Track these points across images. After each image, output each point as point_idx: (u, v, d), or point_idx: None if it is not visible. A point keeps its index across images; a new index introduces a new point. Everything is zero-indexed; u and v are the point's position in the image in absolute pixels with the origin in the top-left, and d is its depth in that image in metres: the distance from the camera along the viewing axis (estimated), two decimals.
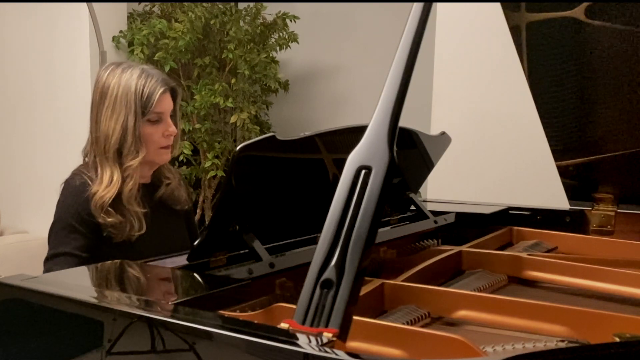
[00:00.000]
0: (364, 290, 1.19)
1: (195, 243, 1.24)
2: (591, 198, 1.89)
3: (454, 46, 2.91)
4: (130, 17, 3.92)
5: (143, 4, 4.04)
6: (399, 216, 1.86)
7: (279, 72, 4.03)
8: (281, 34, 3.89)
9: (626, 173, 1.80)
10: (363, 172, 0.93)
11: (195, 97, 3.66)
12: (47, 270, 1.60)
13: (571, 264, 1.46)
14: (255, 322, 0.94)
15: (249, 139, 2.16)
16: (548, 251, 1.72)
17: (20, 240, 3.45)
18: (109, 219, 1.61)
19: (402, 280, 1.31)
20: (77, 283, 1.20)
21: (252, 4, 3.88)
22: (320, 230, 0.90)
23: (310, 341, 0.81)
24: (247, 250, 1.29)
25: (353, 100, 4.14)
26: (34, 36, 3.81)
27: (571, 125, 1.79)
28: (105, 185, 1.62)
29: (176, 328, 0.89)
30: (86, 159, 1.73)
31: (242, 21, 3.84)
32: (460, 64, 2.91)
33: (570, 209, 1.94)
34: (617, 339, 0.98)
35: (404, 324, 1.11)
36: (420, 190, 1.96)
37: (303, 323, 0.84)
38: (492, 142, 2.85)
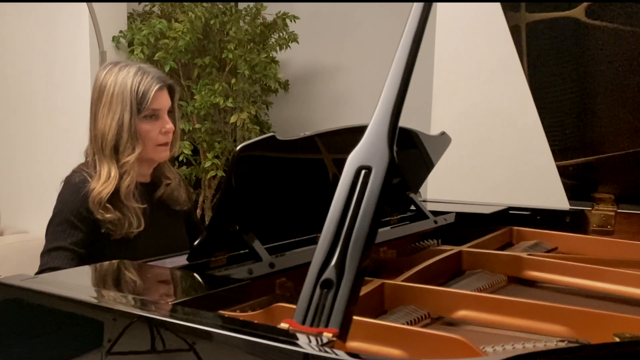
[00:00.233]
0: (364, 290, 1.19)
1: (195, 243, 1.24)
2: (591, 198, 1.89)
3: (454, 46, 2.91)
4: (130, 17, 3.92)
5: (143, 4, 4.04)
6: (399, 216, 1.86)
7: (279, 72, 4.03)
8: (281, 34, 3.89)
9: (626, 173, 1.80)
10: (363, 172, 0.93)
11: (195, 97, 3.66)
12: (43, 264, 1.61)
13: (571, 264, 1.45)
14: (255, 322, 0.94)
15: (249, 139, 2.16)
16: (548, 251, 1.72)
17: (20, 240, 3.45)
18: (107, 215, 1.62)
19: (402, 281, 1.31)
20: (77, 283, 1.20)
21: (252, 4, 3.88)
22: (320, 230, 0.90)
23: (310, 341, 0.81)
24: (247, 250, 1.29)
25: (353, 100, 4.14)
26: (34, 36, 3.81)
27: (571, 125, 1.79)
28: (103, 181, 1.64)
29: (176, 328, 0.89)
30: (87, 158, 1.74)
31: (242, 21, 3.84)
32: (460, 64, 2.91)
33: (570, 209, 1.94)
34: (617, 339, 0.98)
35: (404, 324, 1.11)
36: (420, 190, 1.96)
37: (303, 323, 0.84)
38: (492, 142, 2.85)
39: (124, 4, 3.84)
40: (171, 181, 1.81)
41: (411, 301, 1.22)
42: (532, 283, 1.49)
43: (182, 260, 1.29)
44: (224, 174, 3.70)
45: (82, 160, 1.76)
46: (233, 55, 3.65)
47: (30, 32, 3.83)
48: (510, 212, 1.98)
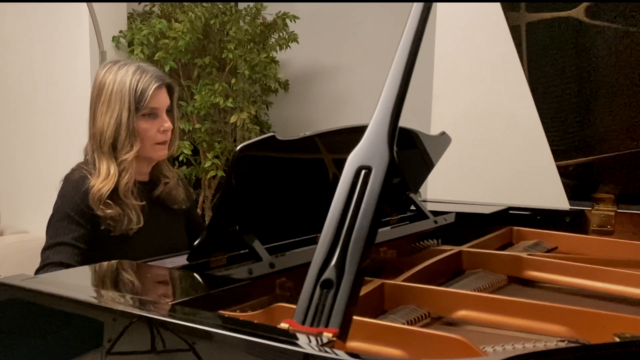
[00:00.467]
0: (364, 290, 1.19)
1: (195, 243, 1.24)
2: (591, 198, 1.89)
3: (454, 46, 2.91)
4: (130, 17, 3.92)
5: (143, 4, 4.04)
6: (399, 216, 1.86)
7: (279, 72, 4.03)
8: (281, 34, 3.89)
9: (626, 173, 1.80)
10: (363, 172, 0.93)
11: (195, 97, 3.66)
12: (44, 259, 1.61)
13: (571, 264, 1.46)
14: (255, 322, 0.94)
15: (249, 139, 2.16)
16: (548, 251, 1.72)
17: (20, 240, 3.45)
18: (108, 211, 1.63)
19: (402, 280, 1.31)
20: (78, 283, 1.20)
21: (252, 4, 3.88)
22: (320, 230, 0.90)
23: (310, 341, 0.81)
24: (247, 250, 1.29)
25: (353, 100, 4.14)
26: (34, 36, 3.81)
27: (571, 125, 1.79)
28: (103, 178, 1.65)
29: (176, 328, 0.89)
30: (87, 156, 1.74)
31: (242, 21, 3.84)
32: (460, 64, 2.91)
33: (570, 209, 1.94)
34: (617, 339, 0.98)
35: (404, 324, 1.11)
36: (420, 190, 1.96)
37: (303, 323, 0.84)
38: (492, 142, 2.85)
39: (124, 4, 3.84)
40: (169, 180, 1.82)
41: (411, 301, 1.22)
42: (532, 283, 1.49)
43: (182, 260, 1.29)
44: (224, 174, 3.70)
45: (82, 159, 1.77)
46: (233, 55, 3.65)
47: (30, 32, 3.82)
48: (510, 212, 1.98)
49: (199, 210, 3.90)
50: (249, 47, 3.73)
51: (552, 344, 1.01)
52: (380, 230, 1.19)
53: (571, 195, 1.93)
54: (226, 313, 1.02)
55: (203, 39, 3.74)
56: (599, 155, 1.79)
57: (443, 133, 1.89)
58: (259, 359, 0.83)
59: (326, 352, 0.77)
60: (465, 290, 1.32)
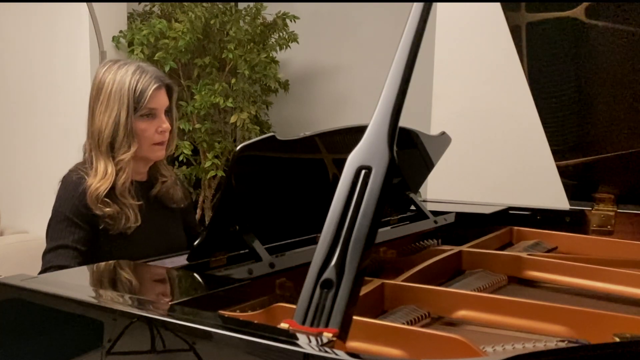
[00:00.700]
0: (364, 290, 1.19)
1: (195, 243, 1.24)
2: (591, 198, 1.89)
3: (454, 46, 2.91)
4: (130, 17, 3.92)
5: (143, 4, 4.04)
6: (399, 216, 1.86)
7: (279, 72, 4.03)
8: (281, 34, 3.89)
9: (626, 173, 1.80)
10: (363, 172, 0.93)
11: (195, 97, 3.66)
12: (46, 263, 1.61)
13: (571, 264, 1.46)
14: (255, 322, 0.94)
15: (249, 139, 2.16)
16: (548, 251, 1.72)
17: (20, 240, 3.44)
18: (106, 209, 1.63)
19: (402, 280, 1.31)
20: (77, 283, 1.20)
21: (252, 4, 3.88)
22: (320, 230, 0.90)
23: (310, 341, 0.81)
24: (247, 250, 1.29)
25: (353, 100, 4.14)
26: (34, 36, 3.81)
27: (571, 125, 1.79)
28: (100, 178, 1.65)
29: (176, 328, 0.89)
30: (85, 154, 1.75)
31: (242, 21, 3.84)
32: (460, 64, 2.91)
33: (570, 209, 1.94)
34: (617, 339, 0.98)
35: (404, 324, 1.11)
36: (420, 190, 1.96)
37: (303, 323, 0.84)
38: (492, 142, 2.85)
39: (124, 4, 3.84)
40: (167, 179, 1.82)
41: (411, 301, 1.22)
42: (532, 283, 1.49)
43: (182, 260, 1.29)
44: (224, 174, 3.70)
45: (82, 158, 1.77)
46: (233, 55, 3.65)
47: (30, 32, 3.82)
48: (510, 212, 1.98)
49: (198, 210, 3.91)
50: (249, 47, 3.73)
51: (552, 344, 1.01)
52: (380, 230, 1.19)
53: (571, 195, 1.93)
54: (226, 313, 1.02)
55: (203, 39, 3.74)
56: (599, 155, 1.79)
57: (443, 133, 1.89)
58: (259, 359, 0.83)
59: (326, 352, 0.77)
60: (465, 290, 1.32)
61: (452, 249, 1.59)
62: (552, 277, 1.47)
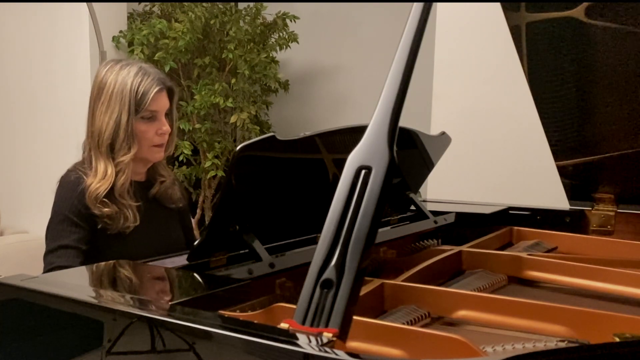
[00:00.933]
0: (364, 290, 1.19)
1: (195, 243, 1.24)
2: (591, 198, 1.89)
3: (453, 46, 2.91)
4: (130, 17, 3.92)
5: (143, 4, 4.04)
6: (399, 216, 1.86)
7: (279, 72, 4.03)
8: (281, 34, 3.89)
9: (626, 173, 1.80)
10: (363, 172, 0.93)
11: (195, 97, 3.66)
12: (48, 264, 1.61)
13: (571, 264, 1.45)
14: (255, 322, 0.94)
15: (249, 139, 2.16)
16: (548, 251, 1.72)
17: (20, 240, 3.44)
18: (105, 210, 1.63)
19: (402, 280, 1.31)
20: (77, 283, 1.20)
21: (252, 4, 3.88)
22: (320, 230, 0.90)
23: (310, 341, 0.81)
24: (247, 250, 1.29)
25: (353, 100, 4.14)
26: (34, 36, 3.81)
27: (571, 125, 1.79)
28: (100, 178, 1.65)
29: (176, 328, 0.89)
30: (84, 153, 1.75)
31: (242, 21, 3.84)
32: (460, 64, 2.91)
33: (570, 209, 1.94)
34: (617, 339, 0.98)
35: (404, 324, 1.11)
36: (420, 190, 1.96)
37: (303, 323, 0.84)
38: (492, 142, 2.85)
39: (124, 4, 3.84)
40: (165, 179, 1.83)
41: (411, 301, 1.22)
42: (532, 283, 1.49)
43: (182, 260, 1.29)
44: (224, 174, 3.70)
45: (81, 157, 1.77)
46: (233, 55, 3.65)
47: (30, 32, 3.82)
48: (510, 212, 1.98)
49: (198, 210, 3.91)
50: (249, 47, 3.73)
51: (552, 344, 1.01)
52: (380, 230, 1.19)
53: (571, 195, 1.93)
54: (226, 313, 1.02)
55: (203, 39, 3.74)
56: (599, 155, 1.79)
57: (443, 133, 1.89)
58: (259, 359, 0.83)
59: (326, 352, 0.77)
60: (465, 290, 1.32)
61: (452, 249, 1.59)
62: (552, 277, 1.47)
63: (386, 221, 1.79)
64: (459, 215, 1.93)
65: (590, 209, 1.89)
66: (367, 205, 0.90)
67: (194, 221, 3.24)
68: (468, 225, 1.90)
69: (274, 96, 4.14)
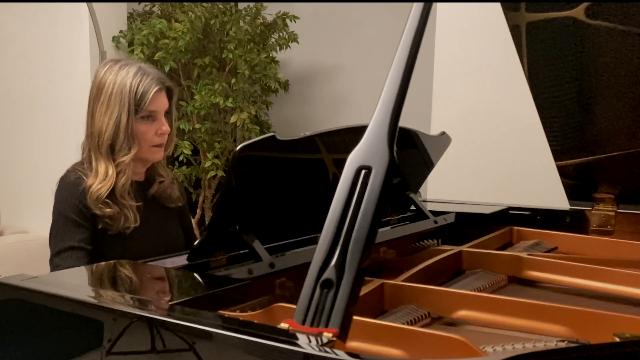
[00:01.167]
0: (364, 290, 1.19)
1: (195, 243, 1.24)
2: (591, 198, 1.89)
3: (453, 46, 2.91)
4: (130, 17, 3.92)
5: (143, 4, 4.04)
6: (399, 216, 1.86)
7: (279, 72, 4.03)
8: (281, 34, 3.89)
9: (626, 173, 1.80)
10: (363, 172, 0.93)
11: (195, 97, 3.66)
12: (54, 267, 1.61)
13: (571, 264, 1.46)
14: (255, 322, 0.94)
15: (249, 139, 2.16)
16: (548, 251, 1.72)
17: (20, 240, 3.45)
18: (107, 210, 1.63)
19: (402, 280, 1.31)
20: (77, 283, 1.20)
21: (252, 4, 3.88)
22: (320, 230, 0.90)
23: (310, 341, 0.81)
24: (247, 250, 1.29)
25: (353, 100, 4.14)
26: (34, 36, 3.81)
27: (571, 125, 1.79)
28: (101, 179, 1.65)
29: (176, 328, 0.89)
30: (83, 153, 1.75)
31: (242, 21, 3.84)
32: (460, 64, 2.91)
33: (570, 209, 1.94)
34: (617, 339, 0.98)
35: (404, 324, 1.11)
36: (420, 190, 1.96)
37: (303, 323, 0.84)
38: (492, 142, 2.85)
39: (124, 4, 3.84)
40: (164, 179, 1.83)
41: (411, 301, 1.22)
42: (532, 283, 1.49)
43: (182, 260, 1.29)
44: (224, 174, 3.70)
45: (81, 158, 1.77)
46: (233, 55, 3.65)
47: (30, 32, 3.82)
48: (510, 212, 1.98)
49: (198, 210, 3.91)
50: (249, 47, 3.73)
51: (552, 344, 1.01)
52: (380, 230, 1.19)
53: (571, 195, 1.93)
54: (226, 313, 1.02)
55: (203, 39, 3.74)
56: (599, 155, 1.79)
57: (443, 133, 1.89)
58: (259, 359, 0.83)
59: (326, 352, 0.77)
60: (465, 290, 1.32)
61: (452, 249, 1.59)
62: (552, 277, 1.47)
63: (386, 221, 1.79)
64: (459, 215, 1.93)
65: (590, 209, 1.89)
66: (367, 205, 0.90)
67: (194, 221, 3.25)
68: (468, 225, 1.90)
69: (274, 96, 4.14)
